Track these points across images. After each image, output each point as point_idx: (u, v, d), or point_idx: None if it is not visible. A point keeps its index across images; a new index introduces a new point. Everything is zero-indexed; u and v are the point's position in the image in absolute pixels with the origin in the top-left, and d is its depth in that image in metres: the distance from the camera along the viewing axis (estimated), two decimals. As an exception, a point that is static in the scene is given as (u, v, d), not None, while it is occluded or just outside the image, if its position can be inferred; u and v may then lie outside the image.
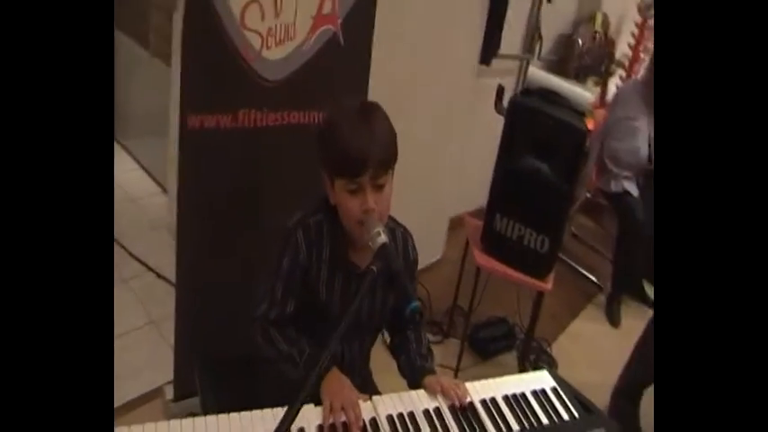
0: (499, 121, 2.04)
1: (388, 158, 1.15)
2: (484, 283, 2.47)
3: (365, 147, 1.11)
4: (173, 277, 2.51)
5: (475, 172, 3.43)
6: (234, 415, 1.13)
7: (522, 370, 2.66)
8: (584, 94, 1.98)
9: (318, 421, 1.13)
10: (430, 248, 3.10)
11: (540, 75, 2.01)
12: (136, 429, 1.04)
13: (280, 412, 1.11)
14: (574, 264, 3.79)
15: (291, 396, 1.28)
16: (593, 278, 3.81)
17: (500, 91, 2.24)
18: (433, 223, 2.95)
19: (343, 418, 1.13)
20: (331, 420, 1.12)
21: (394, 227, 1.34)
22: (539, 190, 1.93)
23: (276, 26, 1.39)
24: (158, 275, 2.71)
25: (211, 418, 1.12)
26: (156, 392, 2.04)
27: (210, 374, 1.59)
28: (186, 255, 1.70)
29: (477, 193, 3.69)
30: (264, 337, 1.27)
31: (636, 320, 3.58)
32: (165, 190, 2.98)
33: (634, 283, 3.62)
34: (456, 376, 2.53)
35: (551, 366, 2.77)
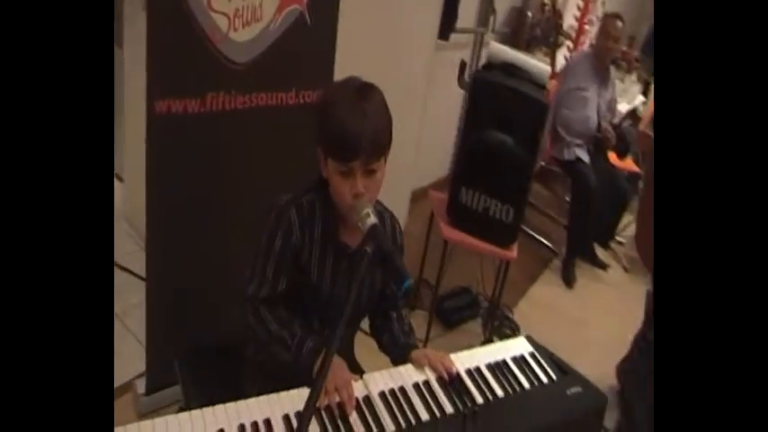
0: (457, 95, 2.07)
1: (380, 146, 1.15)
2: (448, 254, 2.53)
3: (358, 133, 1.10)
4: (133, 268, 2.45)
5: (435, 145, 3.47)
6: (241, 403, 1.12)
7: (489, 338, 2.76)
8: (542, 66, 2.03)
9: (286, 409, 1.12)
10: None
11: (500, 49, 2.04)
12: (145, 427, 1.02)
13: (271, 398, 1.14)
14: (529, 231, 3.91)
15: (276, 381, 1.30)
16: (549, 244, 3.96)
17: (463, 66, 2.26)
18: (394, 197, 2.98)
19: (338, 399, 1.14)
20: (326, 402, 1.13)
21: (382, 210, 1.34)
22: (503, 162, 1.98)
23: (243, 7, 1.36)
24: (120, 267, 2.63)
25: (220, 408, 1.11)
26: (126, 387, 2.00)
27: (190, 365, 1.57)
28: (156, 244, 1.66)
29: (437, 165, 3.75)
30: (256, 316, 1.26)
31: (589, 281, 3.77)
32: (120, 179, 2.89)
33: (586, 246, 3.79)
34: (425, 347, 2.60)
35: (514, 331, 2.87)
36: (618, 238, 4.32)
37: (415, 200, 3.47)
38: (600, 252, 4.00)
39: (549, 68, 2.05)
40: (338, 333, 0.94)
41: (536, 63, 1.99)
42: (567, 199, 3.97)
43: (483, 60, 2.62)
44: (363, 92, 1.16)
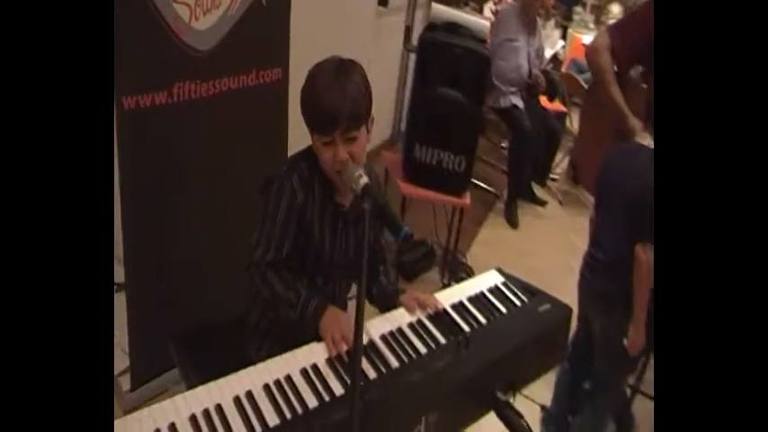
0: (396, 58, 2.16)
1: (358, 117, 1.24)
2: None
3: (335, 105, 1.20)
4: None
5: (380, 107, 3.56)
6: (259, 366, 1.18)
7: (447, 284, 2.92)
8: (482, 22, 2.15)
9: (326, 355, 1.22)
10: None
11: (441, 9, 2.13)
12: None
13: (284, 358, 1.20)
14: (472, 179, 4.11)
15: (282, 344, 1.37)
16: (491, 189, 4.18)
17: (408, 30, 2.34)
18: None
19: (345, 348, 1.22)
20: (335, 352, 1.22)
21: (369, 169, 1.42)
22: (453, 115, 2.11)
23: (203, -5, 1.39)
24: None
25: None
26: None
27: (186, 345, 1.61)
28: (133, 237, 1.69)
29: (381, 126, 3.85)
30: (262, 279, 1.33)
31: (530, 218, 4.02)
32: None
33: (525, 187, 4.03)
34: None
35: (469, 274, 3.05)
36: (551, 175, 4.61)
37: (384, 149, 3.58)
38: (537, 190, 4.27)
39: (487, 23, 2.18)
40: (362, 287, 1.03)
41: (475, 19, 2.11)
42: (503, 145, 4.19)
43: (417, 22, 2.71)
44: (341, 68, 1.25)
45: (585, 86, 4.18)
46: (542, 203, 4.19)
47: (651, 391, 2.15)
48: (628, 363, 1.99)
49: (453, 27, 2.07)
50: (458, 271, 3.06)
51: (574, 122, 4.60)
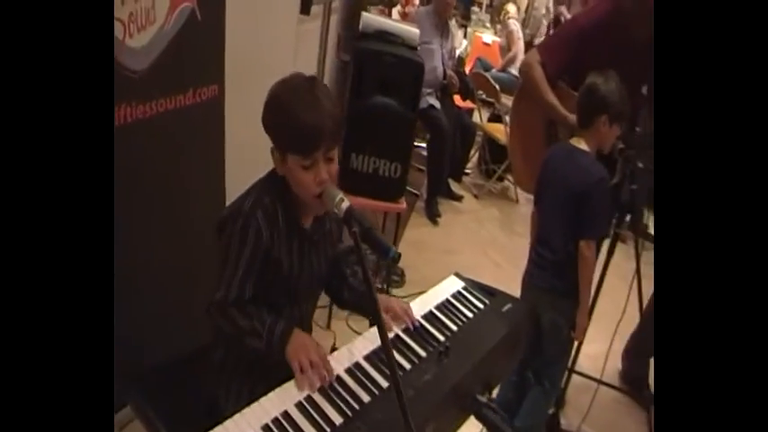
0: (314, 67, 2.13)
1: (338, 132, 1.20)
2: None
3: (317, 124, 1.15)
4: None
5: None
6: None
7: (381, 287, 2.94)
8: (411, 29, 2.17)
9: (297, 397, 1.15)
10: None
11: (371, 18, 2.12)
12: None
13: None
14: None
15: (252, 379, 1.31)
16: (411, 189, 4.26)
17: (340, 39, 2.30)
18: (264, 170, 2.96)
19: (317, 379, 1.16)
20: (305, 382, 1.15)
21: None
22: (388, 123, 2.11)
23: (136, 11, 1.26)
24: None
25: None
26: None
27: (140, 391, 1.50)
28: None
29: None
30: (224, 316, 1.26)
31: (450, 214, 4.16)
32: None
33: (443, 184, 4.15)
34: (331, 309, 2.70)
35: (401, 276, 3.10)
36: (465, 170, 4.78)
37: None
38: (453, 186, 4.41)
39: (417, 31, 2.20)
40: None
41: (405, 27, 2.12)
42: (422, 145, 4.28)
43: (332, 28, 2.69)
44: (311, 85, 1.20)
45: (494, 84, 4.39)
46: (459, 198, 4.34)
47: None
48: (571, 347, 2.13)
49: (384, 35, 2.07)
50: (391, 274, 3.10)
51: (483, 118, 4.81)
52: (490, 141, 4.62)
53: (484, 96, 4.71)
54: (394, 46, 2.07)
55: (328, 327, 2.50)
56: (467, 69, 4.70)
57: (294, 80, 1.21)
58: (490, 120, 4.83)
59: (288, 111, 1.18)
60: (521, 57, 5.56)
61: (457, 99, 4.03)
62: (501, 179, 4.70)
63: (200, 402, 1.47)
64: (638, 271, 2.13)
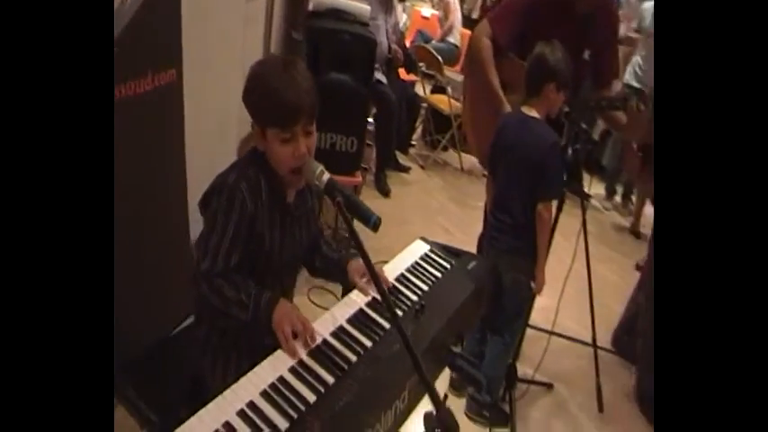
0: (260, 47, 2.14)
1: (315, 106, 1.24)
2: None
3: (296, 98, 1.19)
4: None
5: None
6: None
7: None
8: (362, 6, 2.19)
9: (290, 362, 1.19)
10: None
11: None
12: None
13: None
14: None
15: (238, 353, 1.35)
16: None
17: (288, 18, 2.29)
18: (223, 150, 2.93)
19: (301, 345, 1.21)
20: (291, 350, 1.20)
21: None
22: (344, 99, 2.15)
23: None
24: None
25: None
26: None
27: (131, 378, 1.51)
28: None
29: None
30: (211, 287, 1.28)
31: (399, 186, 4.24)
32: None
33: (392, 157, 4.23)
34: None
35: (357, 249, 3.14)
36: (411, 142, 4.87)
37: (240, 150, 3.48)
38: (400, 158, 4.50)
39: (368, 7, 2.23)
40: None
41: (355, 4, 2.14)
42: (369, 120, 4.31)
43: (276, 8, 2.68)
44: (287, 63, 1.24)
45: (437, 56, 4.47)
46: (407, 170, 4.43)
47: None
48: (531, 303, 2.27)
49: (336, 13, 2.09)
50: (347, 248, 3.16)
51: (426, 90, 4.89)
52: (434, 112, 4.72)
53: (425, 69, 4.79)
54: (347, 23, 2.10)
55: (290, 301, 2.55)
56: (407, 43, 4.75)
57: (272, 59, 1.26)
58: (433, 91, 4.93)
59: (267, 86, 1.22)
60: (458, 26, 5.66)
61: (401, 73, 4.09)
62: (445, 149, 4.81)
63: (186, 382, 1.50)
64: (584, 225, 2.29)
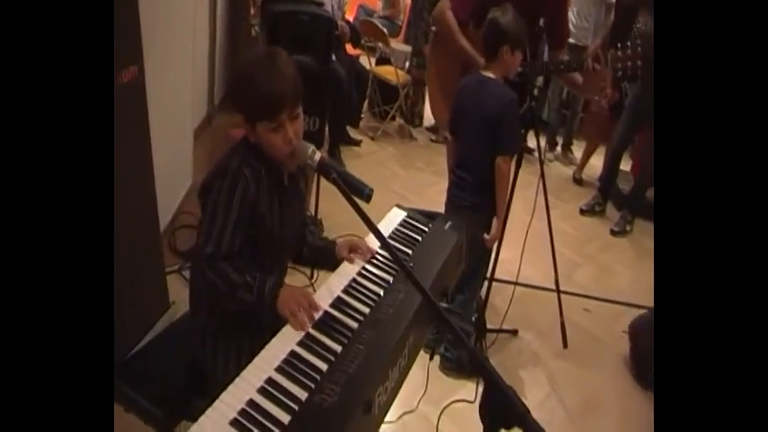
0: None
1: (299, 93, 1.25)
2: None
3: (280, 89, 1.20)
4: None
5: (201, 83, 3.41)
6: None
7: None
8: (316, -14, 2.17)
9: (297, 337, 1.22)
10: (182, 167, 3.04)
11: None
12: None
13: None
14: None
15: (239, 336, 1.36)
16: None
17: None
18: (179, 139, 2.87)
19: (307, 319, 1.23)
20: (298, 324, 1.22)
21: None
22: (306, 79, 2.09)
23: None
24: None
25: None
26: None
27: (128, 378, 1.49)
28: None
29: (197, 106, 3.67)
30: (216, 272, 1.28)
31: (351, 160, 4.24)
32: None
33: (343, 132, 4.22)
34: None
35: (319, 227, 3.16)
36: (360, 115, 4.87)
37: (197, 139, 3.42)
38: (351, 132, 4.49)
39: None
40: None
41: None
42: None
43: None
44: (271, 55, 1.25)
45: (382, 28, 4.44)
46: (358, 143, 4.44)
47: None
48: (488, 255, 2.37)
49: None
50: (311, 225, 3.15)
51: (372, 63, 4.87)
52: (380, 84, 4.72)
53: (369, 42, 4.77)
54: (304, 4, 2.08)
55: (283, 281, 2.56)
56: (350, 18, 4.71)
57: (253, 54, 1.26)
58: (377, 63, 4.91)
59: (250, 83, 1.23)
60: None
61: (349, 48, 4.05)
62: (393, 118, 4.84)
63: (185, 372, 1.50)
64: (542, 176, 2.39)
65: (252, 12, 3.57)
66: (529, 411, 0.87)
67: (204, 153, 3.49)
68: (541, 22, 2.26)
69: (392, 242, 1.62)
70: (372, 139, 4.63)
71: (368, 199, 1.20)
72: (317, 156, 1.23)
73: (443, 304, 1.53)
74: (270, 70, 1.22)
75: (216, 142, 3.87)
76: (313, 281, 2.74)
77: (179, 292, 2.28)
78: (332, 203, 3.44)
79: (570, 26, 4.00)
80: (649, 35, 3.17)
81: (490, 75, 2.05)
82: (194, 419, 1.04)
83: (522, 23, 2.00)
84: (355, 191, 1.20)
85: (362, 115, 4.91)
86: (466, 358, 2.37)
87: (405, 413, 1.97)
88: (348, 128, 4.38)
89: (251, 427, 1.02)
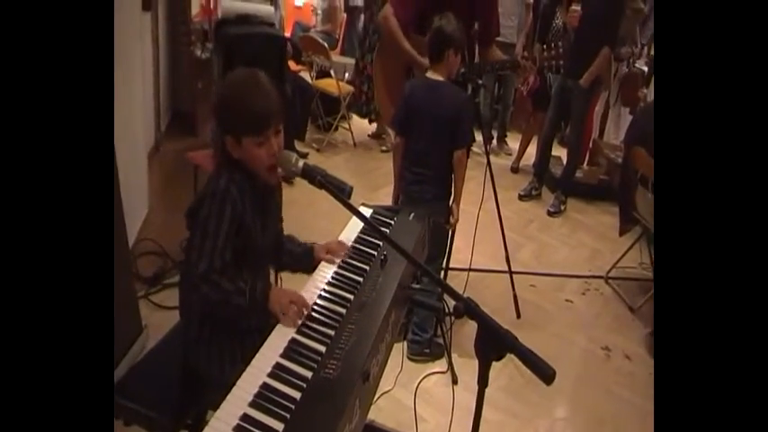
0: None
1: (282, 110, 1.34)
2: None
3: (267, 105, 1.29)
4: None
5: (147, 108, 3.39)
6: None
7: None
8: (267, 8, 2.23)
9: (288, 334, 1.28)
10: (138, 194, 3.04)
11: (230, 4, 2.13)
12: None
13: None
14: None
15: (233, 342, 1.43)
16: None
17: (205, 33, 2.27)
18: (134, 161, 2.84)
19: (297, 315, 1.30)
20: (289, 321, 1.29)
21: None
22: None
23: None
24: None
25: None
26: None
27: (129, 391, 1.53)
28: None
29: (146, 133, 3.65)
30: (210, 285, 1.33)
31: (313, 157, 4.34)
32: None
33: (290, 145, 4.30)
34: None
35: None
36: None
37: (150, 160, 3.41)
38: (298, 146, 4.56)
39: (272, 8, 2.28)
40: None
41: (260, 7, 2.18)
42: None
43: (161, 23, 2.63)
44: (252, 75, 1.33)
45: (322, 42, 4.55)
46: (305, 156, 4.51)
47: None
48: (446, 240, 2.53)
49: (245, 18, 2.13)
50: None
51: (312, 77, 4.97)
52: (322, 96, 4.82)
53: (308, 57, 4.87)
54: (256, 26, 2.15)
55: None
56: (287, 34, 4.79)
57: (236, 74, 1.34)
58: (317, 77, 5.01)
59: (237, 102, 1.31)
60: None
61: (292, 64, 4.14)
62: (336, 128, 4.95)
63: (184, 381, 1.55)
64: (488, 165, 2.58)
65: (192, 38, 3.60)
66: (517, 339, 1.03)
67: (156, 180, 3.49)
68: (477, 26, 2.46)
69: (364, 236, 1.74)
70: (318, 150, 4.72)
71: (348, 195, 1.32)
72: (301, 163, 1.34)
73: (415, 286, 1.67)
74: (255, 89, 1.31)
75: (166, 168, 3.86)
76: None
77: (148, 317, 2.35)
78: (284, 214, 3.51)
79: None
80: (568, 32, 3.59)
81: (438, 77, 2.23)
82: (195, 428, 1.09)
83: (462, 28, 2.20)
84: (338, 189, 1.32)
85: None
86: (433, 344, 2.53)
87: (383, 393, 2.09)
88: (295, 142, 4.46)
89: (269, 406, 1.11)
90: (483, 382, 1.12)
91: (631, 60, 4.28)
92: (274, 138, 1.35)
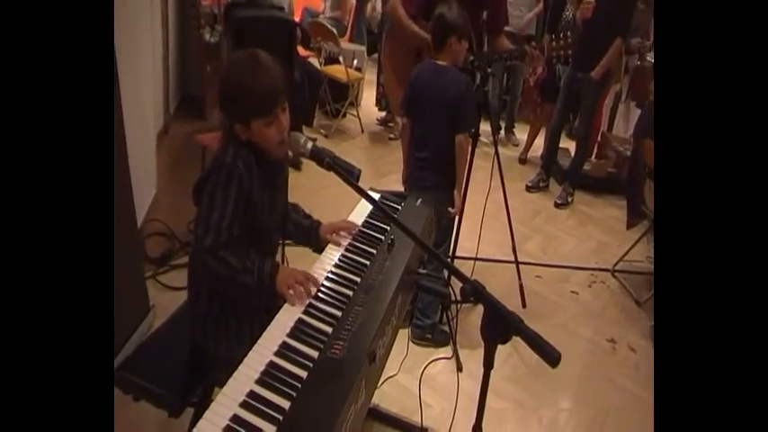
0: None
1: (285, 85, 1.33)
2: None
3: (272, 85, 1.28)
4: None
5: (156, 90, 3.40)
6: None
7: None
8: (275, -9, 2.24)
9: (295, 315, 1.28)
10: (146, 176, 3.04)
11: None
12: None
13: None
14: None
15: (239, 320, 1.44)
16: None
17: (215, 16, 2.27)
18: (145, 142, 2.86)
19: (305, 294, 1.30)
20: (295, 300, 1.29)
21: None
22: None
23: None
24: None
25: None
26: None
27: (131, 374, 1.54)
28: None
29: (156, 116, 3.65)
30: (216, 259, 1.31)
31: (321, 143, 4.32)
32: None
33: (298, 130, 4.29)
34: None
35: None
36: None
37: (159, 142, 3.42)
38: (306, 131, 4.56)
39: None
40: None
41: None
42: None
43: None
44: (253, 56, 1.32)
45: (332, 29, 4.52)
46: (313, 141, 4.51)
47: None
48: (452, 227, 2.52)
49: (254, 2, 2.12)
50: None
51: (320, 63, 4.94)
52: (331, 83, 4.80)
53: (317, 43, 4.85)
54: (266, 10, 2.14)
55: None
56: (296, 20, 4.76)
57: (237, 59, 1.32)
58: (326, 63, 4.99)
59: (243, 86, 1.29)
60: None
61: (301, 49, 4.12)
62: (344, 115, 4.93)
63: (191, 358, 1.55)
64: (496, 154, 2.56)
65: (201, 21, 3.60)
66: (523, 321, 1.02)
67: (165, 162, 3.49)
68: (485, 15, 2.45)
69: (371, 220, 1.74)
70: (326, 136, 4.71)
71: (357, 178, 1.32)
72: (309, 144, 1.33)
73: (422, 271, 1.67)
74: (257, 71, 1.30)
75: (174, 151, 3.86)
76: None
77: (155, 297, 2.35)
78: (293, 198, 3.51)
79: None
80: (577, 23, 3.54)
81: (443, 63, 2.22)
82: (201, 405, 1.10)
83: (466, 16, 2.17)
84: (347, 172, 1.31)
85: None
86: (438, 331, 2.53)
87: (388, 377, 2.10)
88: (303, 127, 4.45)
89: (275, 384, 1.12)
90: (489, 364, 1.11)
91: (642, 53, 4.23)
92: (282, 115, 1.35)
